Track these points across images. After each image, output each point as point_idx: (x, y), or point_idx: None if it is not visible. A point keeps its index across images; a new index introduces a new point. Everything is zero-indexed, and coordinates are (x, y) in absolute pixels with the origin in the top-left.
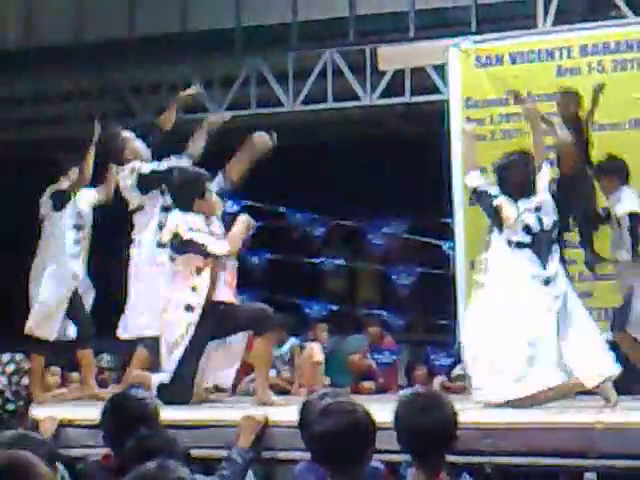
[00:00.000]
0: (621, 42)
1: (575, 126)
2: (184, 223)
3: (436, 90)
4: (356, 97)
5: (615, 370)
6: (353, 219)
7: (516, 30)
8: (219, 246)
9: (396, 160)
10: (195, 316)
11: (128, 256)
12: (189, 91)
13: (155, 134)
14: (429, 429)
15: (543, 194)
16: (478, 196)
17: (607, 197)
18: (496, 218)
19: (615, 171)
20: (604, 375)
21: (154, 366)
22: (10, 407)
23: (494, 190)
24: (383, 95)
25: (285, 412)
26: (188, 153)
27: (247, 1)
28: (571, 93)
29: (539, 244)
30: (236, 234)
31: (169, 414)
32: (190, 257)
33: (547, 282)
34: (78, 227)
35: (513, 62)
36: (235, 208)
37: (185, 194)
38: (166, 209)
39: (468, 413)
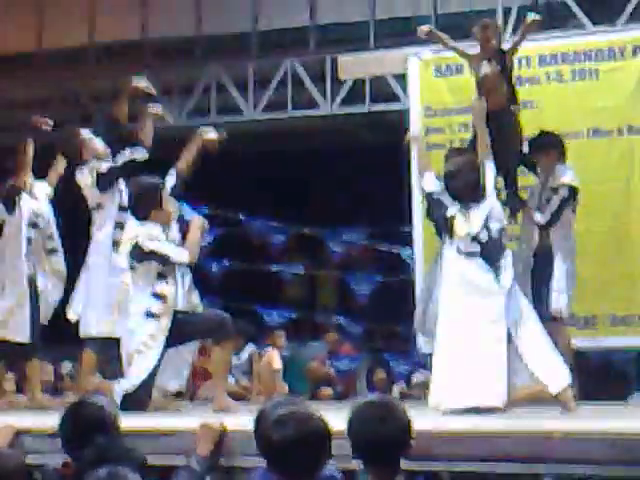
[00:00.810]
0: (579, 52)
1: (498, 59)
2: (144, 233)
3: (396, 99)
4: (316, 106)
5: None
6: (312, 227)
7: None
8: (180, 255)
9: (356, 168)
10: (161, 324)
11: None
12: (138, 82)
13: (113, 127)
14: (382, 437)
15: (491, 198)
16: (432, 202)
17: (544, 173)
18: (447, 228)
19: (553, 145)
20: (567, 380)
21: (102, 368)
22: None
23: (448, 199)
24: (343, 104)
25: (243, 419)
26: (145, 146)
27: (208, 9)
28: (492, 25)
29: (489, 252)
30: (194, 241)
31: (127, 421)
32: (151, 263)
33: (499, 292)
34: (34, 225)
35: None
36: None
37: (141, 205)
38: (123, 208)
39: (425, 419)
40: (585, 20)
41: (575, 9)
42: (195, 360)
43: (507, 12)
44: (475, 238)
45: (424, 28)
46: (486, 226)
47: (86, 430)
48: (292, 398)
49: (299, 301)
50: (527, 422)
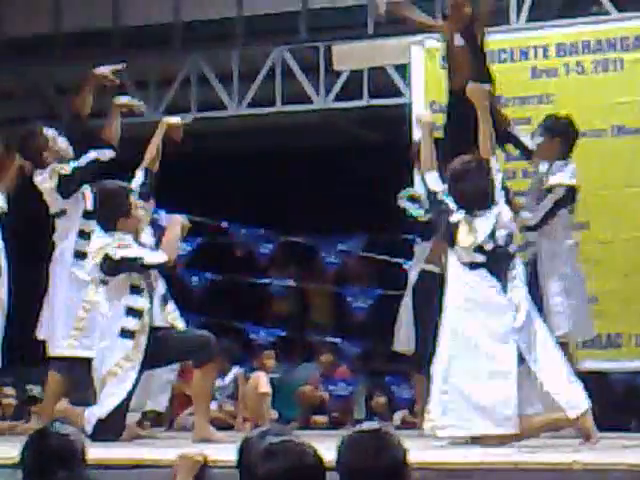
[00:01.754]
0: (602, 40)
1: (468, 32)
2: (111, 242)
3: (398, 92)
4: (308, 100)
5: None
6: (304, 235)
7: (488, 27)
8: (155, 257)
9: (353, 169)
10: (137, 342)
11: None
12: (102, 70)
13: (74, 124)
14: (373, 471)
15: (500, 202)
16: (434, 202)
17: (542, 160)
18: (448, 234)
19: (561, 132)
20: (586, 404)
21: (69, 392)
22: None
23: (453, 202)
24: (339, 98)
25: (227, 450)
26: (112, 145)
27: None
28: None
29: (495, 262)
30: (171, 240)
31: (97, 452)
32: (125, 277)
33: (508, 309)
34: None
35: None
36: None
37: (108, 213)
38: (88, 215)
39: (431, 452)
40: (609, 5)
41: None
42: (174, 383)
43: None
44: (479, 248)
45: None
46: (492, 234)
47: (50, 461)
48: (280, 427)
49: (289, 318)
50: (543, 454)
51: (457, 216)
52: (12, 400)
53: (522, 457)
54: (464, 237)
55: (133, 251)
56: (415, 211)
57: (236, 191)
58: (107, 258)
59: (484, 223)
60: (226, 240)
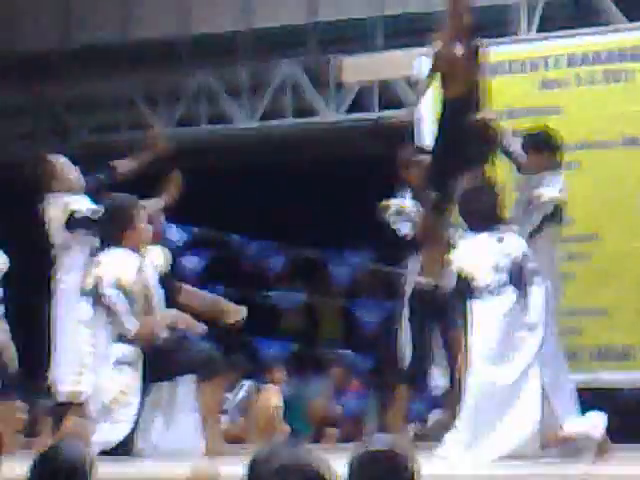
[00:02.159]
0: (613, 51)
1: (465, 42)
2: (110, 271)
3: (407, 105)
4: (318, 113)
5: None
6: (314, 249)
7: (497, 38)
8: (125, 325)
9: (363, 182)
10: (134, 369)
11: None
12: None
13: (108, 176)
14: None
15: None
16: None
17: (530, 175)
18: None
19: (549, 147)
20: (605, 421)
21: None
22: None
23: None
24: (349, 111)
25: (239, 464)
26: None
27: (194, 7)
28: (461, 2)
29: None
30: (154, 323)
31: (108, 468)
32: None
33: (530, 329)
34: None
35: (493, 73)
36: (184, 237)
37: (112, 227)
38: (97, 251)
39: (442, 465)
40: (620, 16)
41: (608, 4)
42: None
43: (531, 6)
44: (497, 270)
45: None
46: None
47: (59, 478)
48: (292, 441)
49: (300, 332)
50: (556, 466)
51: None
52: (23, 415)
53: (535, 470)
54: (482, 276)
55: (118, 305)
56: (400, 225)
57: (246, 205)
58: (97, 285)
59: (490, 239)
60: (236, 254)
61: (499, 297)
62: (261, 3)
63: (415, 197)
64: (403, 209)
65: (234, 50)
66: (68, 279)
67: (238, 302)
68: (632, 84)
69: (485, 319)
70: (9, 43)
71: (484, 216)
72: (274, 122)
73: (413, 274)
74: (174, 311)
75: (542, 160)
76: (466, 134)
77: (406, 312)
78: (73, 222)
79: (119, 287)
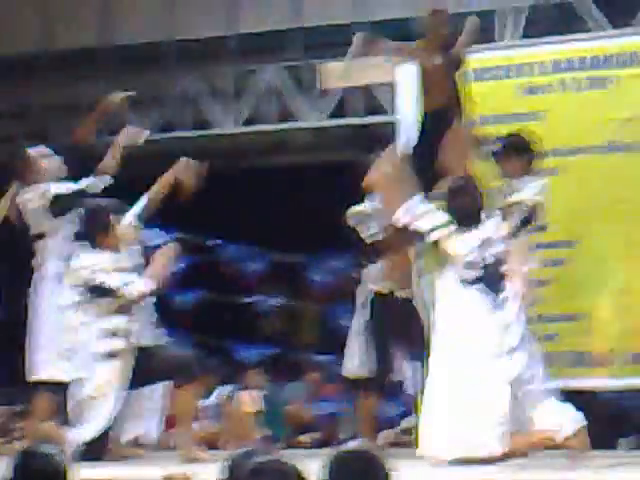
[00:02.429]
0: (598, 57)
1: (444, 52)
2: (90, 265)
3: (390, 111)
4: (302, 118)
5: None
6: (292, 253)
7: (482, 44)
8: (136, 286)
9: (344, 187)
10: (120, 365)
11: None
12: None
13: (74, 154)
14: None
15: (491, 222)
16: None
17: (508, 180)
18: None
19: (528, 151)
20: (582, 422)
21: (57, 414)
22: None
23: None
24: (333, 116)
25: (212, 469)
26: (101, 174)
27: (179, 11)
28: (440, 13)
29: (487, 280)
30: (158, 268)
31: (84, 472)
32: (105, 299)
33: (501, 328)
34: None
35: (477, 79)
36: (161, 240)
37: (87, 229)
38: (78, 237)
39: (414, 471)
40: (604, 22)
41: (593, 10)
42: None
43: (516, 11)
44: (472, 264)
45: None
46: (482, 250)
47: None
48: (265, 446)
49: (277, 336)
50: (534, 472)
51: (450, 229)
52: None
53: (513, 475)
54: (455, 250)
55: (113, 279)
56: (364, 231)
57: (225, 209)
58: (85, 281)
59: (474, 238)
60: (214, 258)
61: (470, 290)
62: (246, 8)
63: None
64: (369, 214)
65: (219, 55)
66: (50, 266)
67: (217, 306)
68: (617, 90)
69: (450, 310)
70: None
71: (471, 212)
72: (256, 127)
73: (373, 279)
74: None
75: (522, 164)
76: (444, 142)
77: (360, 317)
78: (57, 205)
79: (107, 272)
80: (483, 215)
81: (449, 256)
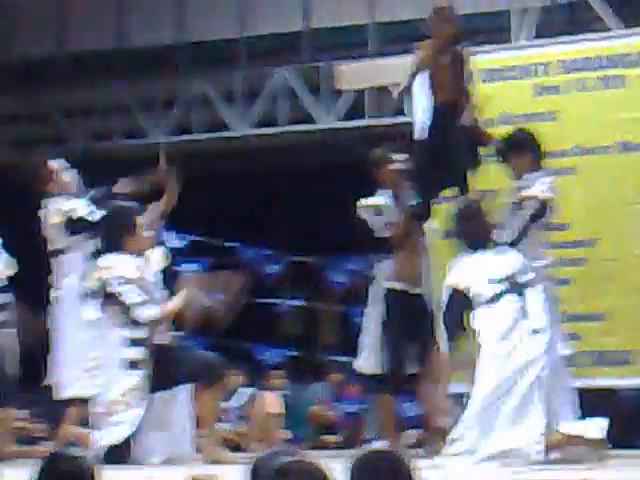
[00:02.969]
0: (605, 57)
1: (450, 50)
2: (113, 265)
3: (401, 111)
4: (313, 120)
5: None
6: (311, 255)
7: (490, 45)
8: (146, 311)
9: (358, 188)
10: (145, 371)
11: (46, 306)
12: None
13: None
14: None
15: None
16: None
17: (517, 179)
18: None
19: (526, 147)
20: (606, 422)
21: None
22: None
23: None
24: (343, 117)
25: (238, 471)
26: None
27: (190, 15)
28: (444, 11)
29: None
30: (173, 306)
31: (110, 474)
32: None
33: (535, 332)
34: None
35: (486, 80)
36: (182, 243)
37: (113, 233)
38: (98, 254)
39: (438, 471)
40: (611, 22)
41: (600, 10)
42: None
43: (524, 13)
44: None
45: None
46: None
47: None
48: (290, 447)
49: (298, 338)
50: (556, 471)
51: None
52: (26, 424)
53: (536, 475)
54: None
55: (129, 296)
56: (376, 223)
57: (242, 211)
58: (103, 286)
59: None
60: (233, 260)
61: (498, 304)
62: (257, 11)
63: (393, 196)
64: (380, 208)
65: (230, 57)
66: (68, 282)
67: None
68: (626, 90)
69: (486, 325)
70: (6, 51)
71: (479, 235)
72: (270, 129)
73: (386, 276)
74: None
75: (525, 161)
76: (455, 139)
77: (370, 312)
78: (72, 225)
79: (128, 282)
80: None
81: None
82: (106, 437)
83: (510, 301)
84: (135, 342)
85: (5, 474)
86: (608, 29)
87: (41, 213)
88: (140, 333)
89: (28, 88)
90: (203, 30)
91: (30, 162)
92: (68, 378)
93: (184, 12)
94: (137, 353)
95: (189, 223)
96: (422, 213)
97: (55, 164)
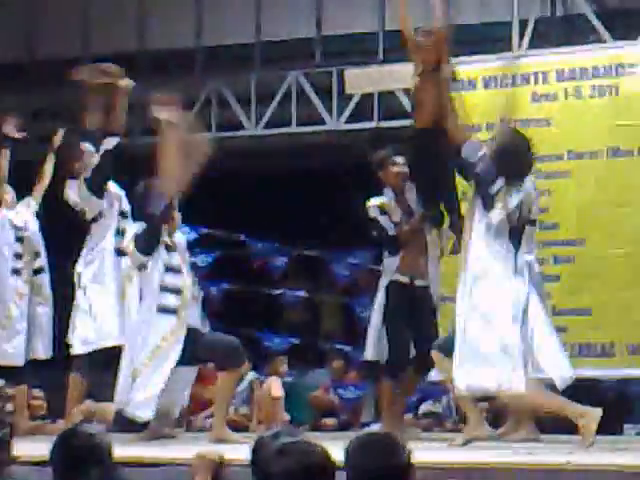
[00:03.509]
0: (599, 67)
1: (435, 72)
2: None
3: (406, 114)
4: (322, 121)
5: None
6: (316, 249)
7: (491, 53)
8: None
9: (363, 187)
10: (179, 318)
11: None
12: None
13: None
14: (382, 473)
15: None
16: (471, 171)
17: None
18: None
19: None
20: (571, 373)
21: (89, 390)
22: None
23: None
24: (350, 119)
25: (242, 449)
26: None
27: (208, 20)
28: (429, 34)
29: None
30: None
31: (118, 450)
32: (158, 256)
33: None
34: (18, 239)
35: (486, 87)
36: (193, 235)
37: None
38: (123, 214)
39: (433, 452)
40: (606, 34)
41: (595, 23)
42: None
43: (523, 24)
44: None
45: None
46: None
47: (79, 460)
48: (291, 428)
49: (301, 326)
50: (538, 455)
51: (498, 184)
52: (41, 402)
53: (519, 458)
54: (500, 204)
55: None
56: (385, 223)
57: (253, 206)
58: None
59: (517, 194)
60: (243, 252)
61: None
62: (272, 18)
63: (396, 196)
64: (387, 207)
65: (246, 61)
66: (104, 246)
67: (245, 298)
68: (616, 98)
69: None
70: (33, 51)
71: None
72: (282, 129)
73: (389, 273)
74: None
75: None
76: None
77: (379, 305)
78: (92, 183)
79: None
80: None
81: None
82: (133, 400)
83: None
84: (172, 289)
85: (22, 449)
86: (602, 41)
87: (68, 194)
88: (179, 281)
89: (53, 86)
90: (221, 35)
91: (67, 141)
92: (105, 330)
93: (203, 18)
94: (174, 300)
95: (201, 216)
96: (436, 219)
97: (89, 147)
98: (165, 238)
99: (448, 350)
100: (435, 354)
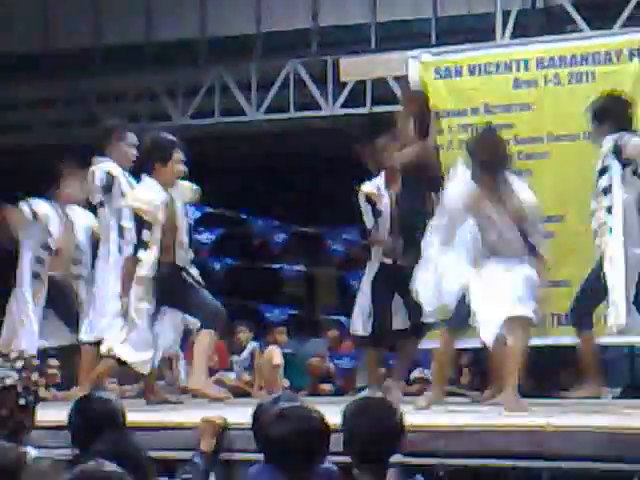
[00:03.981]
0: (577, 55)
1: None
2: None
3: (397, 100)
4: (318, 107)
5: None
6: (313, 226)
7: (476, 42)
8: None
9: (357, 167)
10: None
11: None
12: None
13: None
14: (376, 434)
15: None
16: None
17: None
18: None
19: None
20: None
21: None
22: (21, 402)
23: None
24: (344, 105)
25: (244, 413)
26: None
27: (212, 12)
28: (416, 94)
29: None
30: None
31: (130, 416)
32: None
33: None
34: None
35: (472, 74)
36: (197, 214)
37: (147, 156)
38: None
39: (421, 415)
40: (583, 24)
41: (573, 14)
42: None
43: (506, 15)
44: None
45: None
46: None
47: (96, 423)
48: (290, 394)
49: (300, 299)
50: (520, 418)
51: None
52: (56, 371)
53: (502, 420)
54: None
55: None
56: (367, 215)
57: (253, 187)
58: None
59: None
60: (244, 230)
61: None
62: (271, 10)
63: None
64: (373, 197)
65: (247, 50)
66: (108, 237)
67: (247, 272)
68: (593, 84)
69: None
70: (48, 42)
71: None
72: (280, 114)
73: (377, 256)
74: None
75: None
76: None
77: (365, 287)
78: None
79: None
80: None
81: None
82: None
83: None
84: (143, 244)
85: (44, 414)
86: (580, 30)
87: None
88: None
89: (67, 75)
90: (223, 26)
91: (107, 123)
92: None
93: (206, 10)
94: (145, 255)
95: (205, 196)
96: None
97: (133, 138)
98: None
99: (457, 324)
100: (444, 331)
